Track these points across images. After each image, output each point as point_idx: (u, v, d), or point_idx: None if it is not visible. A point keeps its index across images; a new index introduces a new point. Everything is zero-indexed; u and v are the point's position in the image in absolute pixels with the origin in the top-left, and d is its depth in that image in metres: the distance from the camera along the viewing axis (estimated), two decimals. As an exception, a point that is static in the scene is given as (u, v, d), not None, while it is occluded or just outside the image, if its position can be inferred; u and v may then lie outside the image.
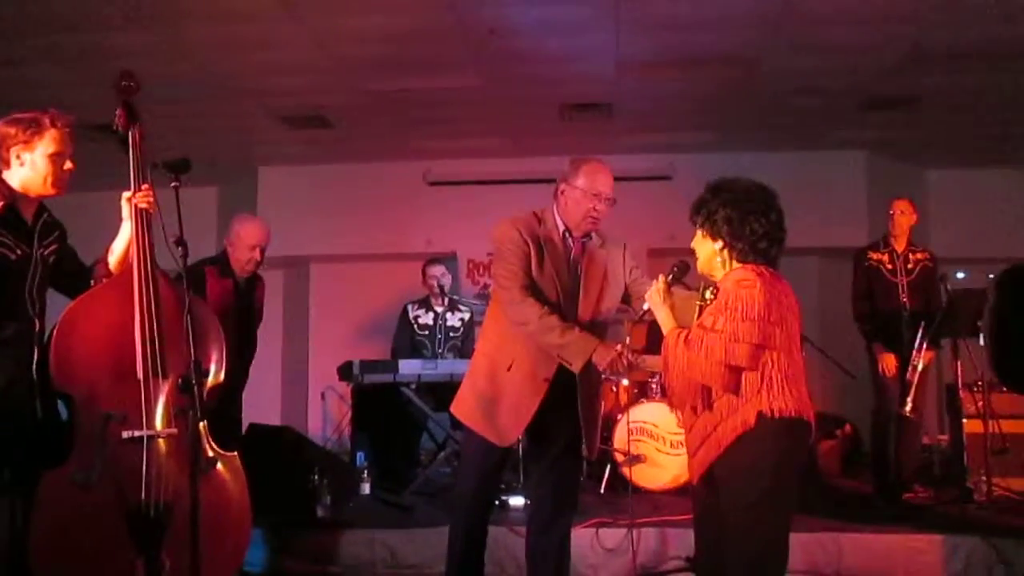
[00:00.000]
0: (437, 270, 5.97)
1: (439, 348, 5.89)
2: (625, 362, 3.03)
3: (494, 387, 3.19)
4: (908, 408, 4.87)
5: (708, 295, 2.79)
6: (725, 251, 2.72)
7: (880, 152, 7.46)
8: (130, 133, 2.89)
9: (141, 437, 2.67)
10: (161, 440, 2.72)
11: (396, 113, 6.44)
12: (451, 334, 5.95)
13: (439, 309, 5.97)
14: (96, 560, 2.63)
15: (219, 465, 2.93)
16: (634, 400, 5.48)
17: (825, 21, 4.80)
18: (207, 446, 2.84)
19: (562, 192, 3.20)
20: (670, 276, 2.88)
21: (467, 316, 6.05)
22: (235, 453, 2.99)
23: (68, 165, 2.80)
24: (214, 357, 2.97)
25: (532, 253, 3.15)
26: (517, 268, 3.13)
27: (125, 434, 2.67)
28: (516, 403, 3.15)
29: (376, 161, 7.71)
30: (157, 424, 2.72)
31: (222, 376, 3.03)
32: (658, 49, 5.29)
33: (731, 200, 2.71)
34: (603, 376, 3.20)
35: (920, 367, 4.90)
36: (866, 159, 7.51)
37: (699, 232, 2.79)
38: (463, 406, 3.29)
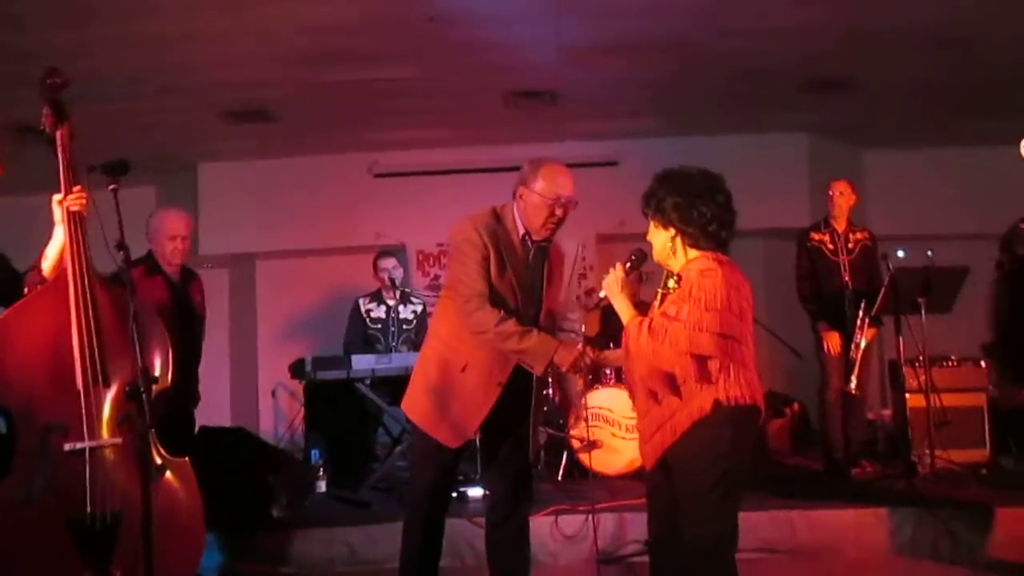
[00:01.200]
0: (388, 263, 5.93)
1: (392, 341, 5.86)
2: (588, 360, 3.03)
3: (446, 389, 3.15)
4: (853, 385, 5.02)
5: (671, 283, 2.82)
6: (677, 238, 2.75)
7: (820, 134, 7.58)
8: (58, 133, 2.77)
9: (83, 449, 2.58)
10: (106, 450, 2.64)
11: (340, 105, 6.35)
12: (404, 327, 5.92)
13: (391, 302, 5.94)
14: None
15: (168, 472, 2.85)
16: (589, 386, 5.52)
17: (762, 4, 4.85)
18: (155, 454, 2.75)
19: (520, 196, 3.13)
20: (628, 264, 2.90)
21: (420, 308, 6.03)
22: (185, 459, 2.91)
23: None
24: (159, 361, 2.89)
25: (492, 256, 3.08)
26: (475, 273, 3.06)
27: (67, 446, 2.59)
28: (469, 405, 3.12)
29: (321, 154, 7.60)
30: (102, 434, 2.63)
31: (169, 379, 2.95)
32: (599, 35, 5.30)
33: (678, 187, 2.75)
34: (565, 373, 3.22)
35: (863, 344, 5.05)
36: (807, 141, 7.62)
37: (651, 223, 2.82)
38: (414, 406, 3.25)
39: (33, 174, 3.40)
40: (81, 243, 2.74)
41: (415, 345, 5.77)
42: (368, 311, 5.92)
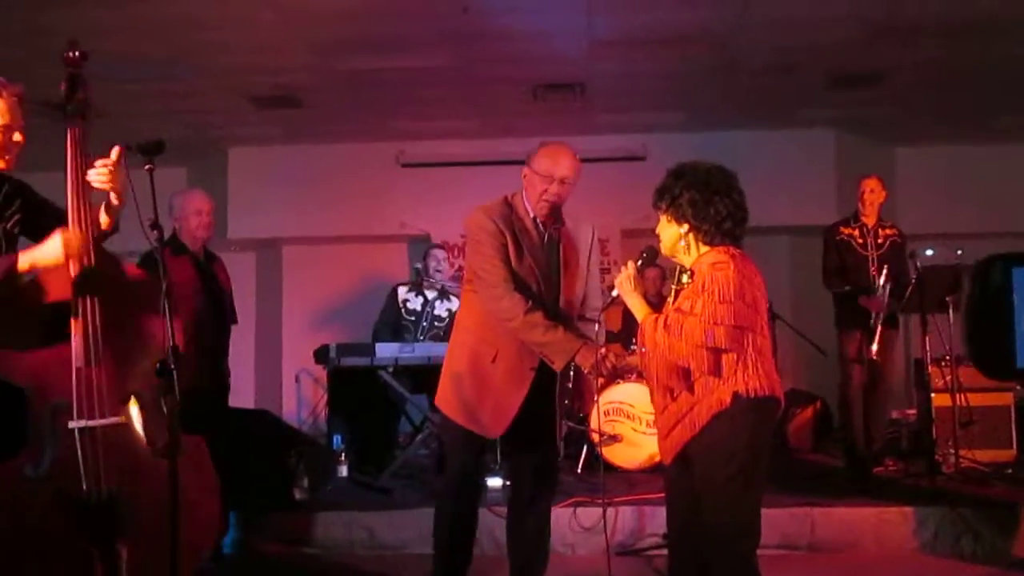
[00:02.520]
0: (440, 254, 6.00)
1: (421, 335, 5.79)
2: (609, 365, 2.99)
3: (478, 381, 3.13)
4: (874, 350, 5.00)
5: (685, 279, 2.82)
6: (691, 234, 2.75)
7: (848, 130, 7.52)
8: (70, 107, 2.69)
9: (84, 427, 2.60)
10: (107, 429, 2.65)
11: (368, 93, 6.39)
12: (436, 323, 5.86)
13: (430, 296, 5.91)
14: (49, 553, 2.59)
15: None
16: (609, 382, 5.51)
17: (790, -2, 4.83)
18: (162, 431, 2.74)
19: (524, 176, 3.16)
20: (639, 262, 2.90)
21: (455, 307, 6.00)
22: (198, 438, 2.91)
23: (17, 137, 2.66)
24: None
25: (509, 241, 3.09)
26: (496, 261, 3.06)
27: (71, 424, 2.62)
28: (502, 396, 3.10)
29: (348, 142, 7.65)
30: (103, 413, 2.64)
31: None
32: (630, 28, 5.29)
33: (694, 183, 2.74)
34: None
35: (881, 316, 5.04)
36: (835, 137, 7.56)
37: (663, 217, 2.81)
38: (448, 401, 3.22)
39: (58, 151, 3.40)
40: (87, 214, 2.68)
41: (443, 340, 5.79)
42: (405, 301, 5.89)
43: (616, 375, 3.29)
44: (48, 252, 2.62)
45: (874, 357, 5.05)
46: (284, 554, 4.32)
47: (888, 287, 5.07)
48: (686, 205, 2.73)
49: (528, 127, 7.25)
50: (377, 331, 5.86)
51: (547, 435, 3.29)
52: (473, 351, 3.17)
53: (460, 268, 7.75)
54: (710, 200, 2.71)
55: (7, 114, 2.64)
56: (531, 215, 3.17)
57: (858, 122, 7.33)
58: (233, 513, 4.19)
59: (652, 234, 2.95)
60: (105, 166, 2.66)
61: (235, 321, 4.55)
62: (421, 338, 5.76)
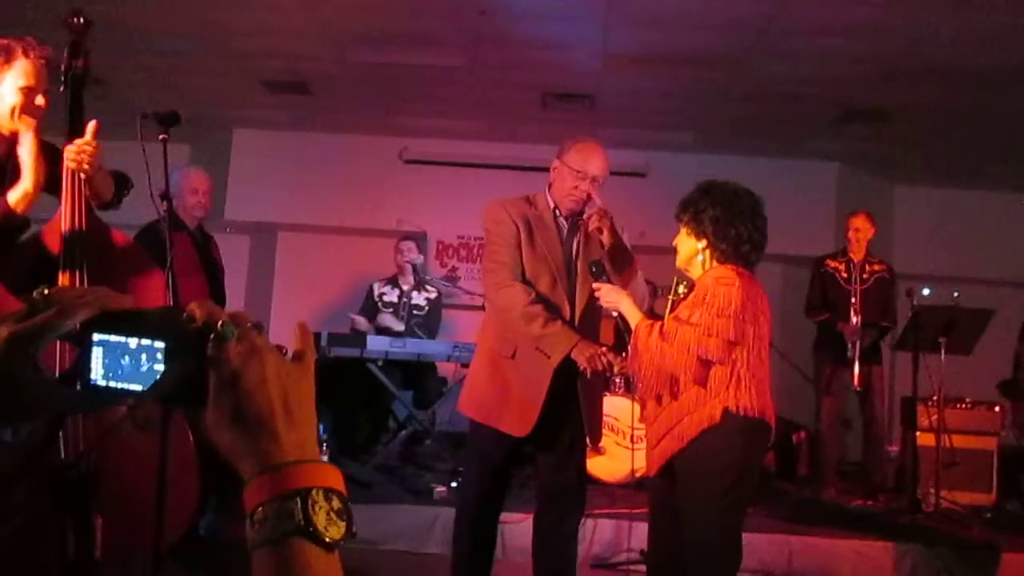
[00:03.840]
0: (407, 246, 5.96)
1: (402, 326, 5.83)
2: (606, 361, 2.92)
3: (499, 378, 3.07)
4: (856, 380, 5.19)
5: (681, 289, 2.83)
6: (708, 251, 2.76)
7: (851, 164, 7.57)
8: (70, 73, 2.57)
9: None
10: None
11: (378, 86, 6.37)
12: (415, 312, 5.89)
13: (405, 287, 5.94)
14: (23, 520, 2.54)
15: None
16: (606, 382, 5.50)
17: (809, 30, 4.85)
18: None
19: (554, 168, 3.12)
20: (596, 278, 2.90)
21: (434, 296, 6.02)
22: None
23: (40, 100, 2.59)
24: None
25: (522, 233, 3.05)
26: (504, 252, 3.04)
27: None
28: (525, 391, 3.01)
29: (353, 133, 7.62)
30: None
31: None
32: (644, 44, 5.30)
33: (720, 201, 2.75)
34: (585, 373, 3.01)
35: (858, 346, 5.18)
36: (837, 170, 7.60)
37: (683, 229, 2.82)
38: (471, 402, 3.15)
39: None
40: (79, 199, 2.52)
41: (428, 331, 5.77)
42: (381, 294, 5.93)
43: (611, 374, 3.23)
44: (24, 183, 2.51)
45: (856, 388, 5.14)
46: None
47: (859, 319, 5.18)
48: (708, 222, 2.73)
49: (534, 134, 7.25)
50: (354, 328, 5.81)
51: (573, 447, 3.17)
52: (492, 350, 3.12)
53: (454, 268, 7.75)
54: (732, 221, 2.71)
55: (33, 76, 2.56)
56: (551, 207, 3.13)
57: (861, 157, 7.38)
58: (215, 497, 4.14)
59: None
60: (85, 146, 2.53)
61: (224, 302, 4.52)
62: (401, 330, 5.73)
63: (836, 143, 7.04)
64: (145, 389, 0.82)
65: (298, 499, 0.77)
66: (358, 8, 4.95)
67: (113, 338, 0.83)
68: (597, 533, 4.32)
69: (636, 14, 4.88)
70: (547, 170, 3.21)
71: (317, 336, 5.09)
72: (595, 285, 2.89)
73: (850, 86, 5.65)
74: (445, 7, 4.88)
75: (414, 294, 5.94)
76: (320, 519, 0.77)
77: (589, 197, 3.05)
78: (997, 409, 5.51)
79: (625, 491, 5.08)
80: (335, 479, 0.81)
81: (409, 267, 5.89)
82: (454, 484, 4.49)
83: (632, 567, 4.16)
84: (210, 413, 0.80)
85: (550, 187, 3.16)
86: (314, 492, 0.78)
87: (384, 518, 4.35)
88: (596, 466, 5.26)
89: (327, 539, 0.77)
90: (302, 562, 0.77)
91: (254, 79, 6.30)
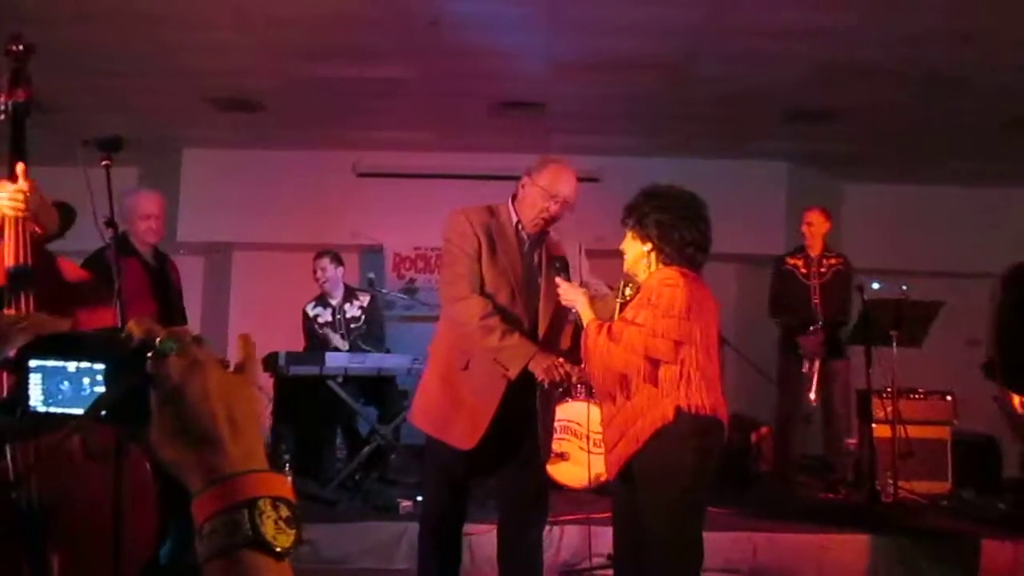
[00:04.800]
0: (322, 263, 5.77)
1: (343, 343, 5.68)
2: (563, 371, 2.91)
3: (450, 389, 3.05)
4: (812, 397, 5.31)
5: (628, 292, 2.87)
6: (653, 254, 2.80)
7: (800, 163, 7.69)
8: (10, 103, 2.43)
9: None
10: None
11: (328, 101, 6.34)
12: (352, 325, 5.76)
13: (335, 302, 5.80)
14: None
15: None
16: (559, 398, 5.52)
17: (751, 32, 4.92)
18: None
19: (523, 185, 3.10)
20: (558, 273, 2.96)
21: (366, 302, 5.86)
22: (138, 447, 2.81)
23: None
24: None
25: (483, 246, 3.02)
26: (462, 264, 3.02)
27: None
28: (476, 403, 3.01)
29: (305, 149, 7.56)
30: None
31: None
32: (589, 51, 5.34)
33: (664, 206, 2.80)
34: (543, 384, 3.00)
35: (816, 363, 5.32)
36: (786, 169, 7.72)
37: (629, 234, 2.86)
38: (421, 413, 3.15)
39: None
40: (21, 235, 2.39)
41: (370, 340, 5.71)
42: (315, 317, 5.78)
43: (569, 384, 3.24)
44: None
45: (812, 402, 5.26)
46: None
47: (822, 321, 5.28)
48: (652, 226, 2.77)
49: (486, 143, 7.28)
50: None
51: (532, 456, 3.15)
52: (445, 361, 3.11)
53: (411, 280, 7.73)
54: (676, 224, 2.76)
55: None
56: (514, 221, 3.11)
57: (810, 156, 7.50)
58: (175, 524, 4.07)
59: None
60: (17, 192, 2.39)
61: (184, 322, 4.45)
62: (345, 347, 5.65)
63: (784, 143, 7.15)
64: (85, 411, 0.81)
65: (245, 510, 0.77)
66: (304, 23, 4.92)
67: (51, 363, 0.83)
68: (564, 540, 4.33)
69: (580, 22, 4.91)
70: (502, 179, 3.23)
71: (275, 356, 5.04)
72: (557, 280, 2.93)
73: (794, 87, 5.75)
74: (393, 20, 4.87)
75: (346, 307, 5.81)
76: (268, 529, 0.77)
77: (556, 218, 3.07)
78: (949, 398, 5.63)
79: (590, 496, 5.09)
80: (283, 487, 0.81)
81: (336, 282, 5.77)
82: (420, 498, 4.47)
83: (599, 572, 4.18)
84: (154, 430, 0.80)
85: (514, 199, 3.14)
86: (261, 502, 0.78)
87: (350, 536, 4.32)
88: (560, 472, 5.27)
89: (277, 548, 0.77)
90: (253, 574, 0.76)
91: (202, 98, 6.23)
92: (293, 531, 0.79)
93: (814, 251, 5.63)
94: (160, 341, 0.81)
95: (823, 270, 5.58)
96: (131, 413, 0.81)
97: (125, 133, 2.80)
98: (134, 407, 0.80)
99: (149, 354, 0.80)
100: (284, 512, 0.79)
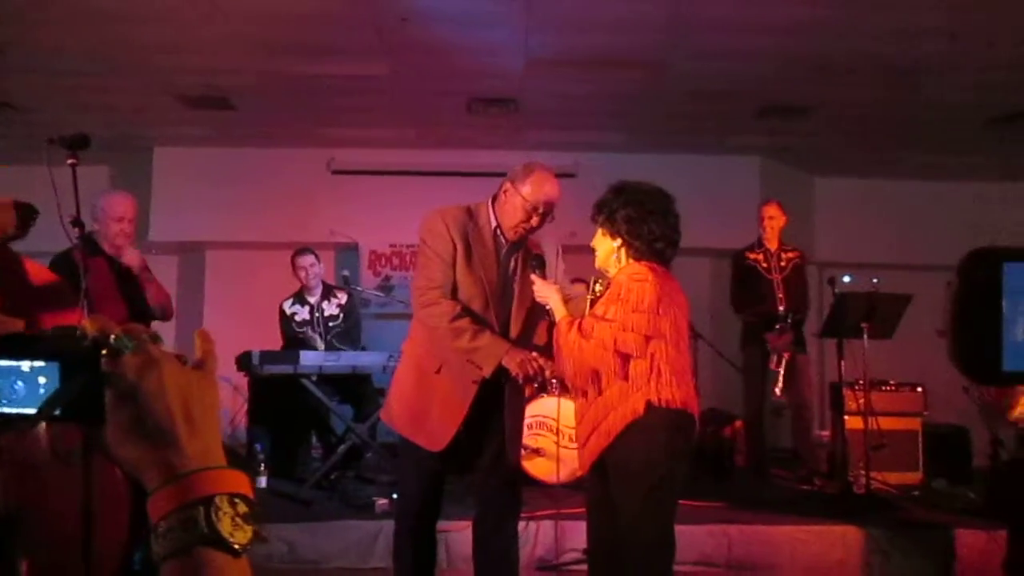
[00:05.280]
0: (306, 261, 5.72)
1: (321, 341, 5.67)
2: (536, 365, 2.91)
3: (423, 392, 3.06)
4: (778, 391, 5.39)
5: (598, 288, 2.89)
6: (623, 249, 2.82)
7: (773, 158, 7.75)
8: None
9: None
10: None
11: (301, 98, 6.30)
12: (331, 323, 5.74)
13: (313, 300, 5.76)
14: None
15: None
16: (535, 394, 5.53)
17: (726, 29, 4.95)
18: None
19: (505, 191, 3.04)
20: (534, 272, 2.96)
21: (344, 300, 5.84)
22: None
23: None
24: None
25: (459, 250, 3.00)
26: (435, 268, 2.99)
27: None
28: (446, 407, 3.01)
29: (279, 147, 7.53)
30: None
31: None
32: (566, 48, 5.35)
33: (633, 201, 2.81)
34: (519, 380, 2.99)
35: (784, 359, 5.39)
36: (760, 165, 7.78)
37: (599, 230, 2.88)
38: (392, 413, 3.16)
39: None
40: None
41: (346, 340, 5.70)
42: (293, 315, 5.74)
43: (544, 378, 3.26)
44: None
45: (778, 397, 5.34)
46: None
47: (790, 318, 5.37)
48: (621, 221, 2.79)
49: (462, 139, 7.28)
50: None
51: (503, 454, 3.14)
52: (417, 363, 3.10)
53: (387, 277, 7.71)
54: (645, 219, 2.77)
55: None
56: (492, 225, 3.07)
57: (783, 151, 7.56)
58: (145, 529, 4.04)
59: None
60: None
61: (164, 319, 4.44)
62: (322, 346, 5.63)
63: (757, 138, 7.20)
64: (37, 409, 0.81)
65: (201, 507, 0.76)
66: (277, 20, 4.89)
67: (3, 363, 0.82)
68: (540, 535, 4.35)
69: (555, 18, 4.92)
70: (478, 175, 3.23)
71: (248, 355, 5.01)
72: (532, 277, 2.93)
73: (767, 82, 5.79)
74: (366, 17, 4.85)
75: (324, 304, 5.78)
76: (225, 525, 0.77)
77: (537, 228, 3.04)
78: (920, 390, 5.70)
79: (566, 491, 5.10)
80: (240, 483, 0.81)
81: (315, 280, 5.74)
82: (395, 496, 4.46)
83: (575, 567, 4.19)
84: (109, 428, 0.80)
85: (494, 201, 3.09)
86: (218, 499, 0.77)
87: (326, 536, 4.31)
88: (536, 467, 5.29)
89: (234, 545, 0.77)
90: (211, 571, 0.76)
91: (173, 96, 6.17)
92: (251, 527, 0.79)
93: (772, 245, 5.72)
94: (115, 338, 0.80)
95: (783, 264, 5.67)
96: (85, 411, 0.80)
97: (95, 132, 2.79)
98: (88, 405, 0.80)
99: (104, 352, 0.80)
100: (242, 508, 0.79)
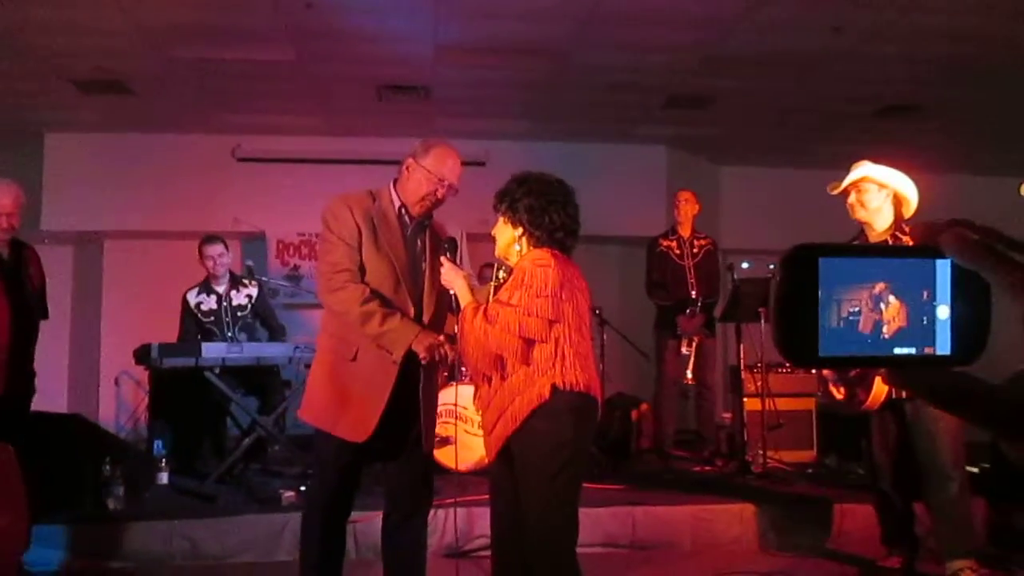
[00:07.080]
0: (215, 250, 5.54)
1: (229, 332, 5.52)
2: (444, 351, 2.93)
3: (340, 381, 3.00)
4: (689, 376, 5.58)
5: (502, 275, 2.92)
6: (524, 238, 2.86)
7: (680, 148, 7.92)
8: None
9: None
10: None
11: (204, 83, 6.13)
12: (239, 313, 5.59)
13: (221, 290, 5.60)
14: None
15: None
16: (444, 383, 5.54)
17: (631, 21, 5.04)
18: None
19: (408, 167, 3.04)
20: (447, 255, 2.97)
21: (254, 292, 5.70)
22: (7, 445, 2.71)
23: None
24: None
25: (364, 232, 2.97)
26: (339, 252, 2.95)
27: None
28: (367, 393, 2.95)
29: (181, 133, 7.31)
30: None
31: None
32: (475, 35, 5.36)
33: (534, 191, 2.85)
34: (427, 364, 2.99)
35: (694, 342, 5.59)
36: (666, 154, 7.94)
37: (501, 219, 2.91)
38: (310, 408, 3.07)
39: None
40: None
41: (254, 330, 5.59)
42: (198, 304, 5.56)
43: (452, 362, 3.25)
44: None
45: (689, 382, 5.50)
46: (94, 569, 4.06)
47: (700, 302, 5.56)
48: (523, 210, 2.82)
49: (371, 127, 7.22)
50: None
51: (418, 442, 3.12)
52: (333, 352, 3.04)
53: (296, 267, 7.60)
54: (546, 209, 2.82)
55: None
56: (396, 205, 3.05)
57: (689, 141, 7.74)
58: (45, 528, 3.90)
59: (489, 239, 3.01)
60: None
61: (45, 316, 4.26)
62: (230, 334, 5.50)
63: (664, 128, 7.35)
64: None
65: None
66: (174, 2, 4.75)
67: None
68: (448, 522, 4.35)
69: (465, 5, 4.92)
70: (387, 163, 3.20)
71: (147, 348, 4.87)
72: (442, 259, 2.92)
73: (672, 73, 5.91)
74: (267, 1, 4.75)
75: (233, 294, 5.62)
76: None
77: (441, 201, 3.04)
78: (813, 371, 5.93)
79: (476, 478, 5.15)
80: None
81: (223, 269, 5.58)
82: (303, 488, 4.42)
83: (483, 553, 4.22)
84: None
85: (396, 183, 3.08)
86: None
87: (231, 530, 4.24)
88: (446, 455, 5.29)
89: None
90: None
91: (64, 79, 5.93)
92: None
93: (685, 232, 5.89)
94: None
95: (695, 250, 5.85)
96: None
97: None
98: None
99: None
100: None
